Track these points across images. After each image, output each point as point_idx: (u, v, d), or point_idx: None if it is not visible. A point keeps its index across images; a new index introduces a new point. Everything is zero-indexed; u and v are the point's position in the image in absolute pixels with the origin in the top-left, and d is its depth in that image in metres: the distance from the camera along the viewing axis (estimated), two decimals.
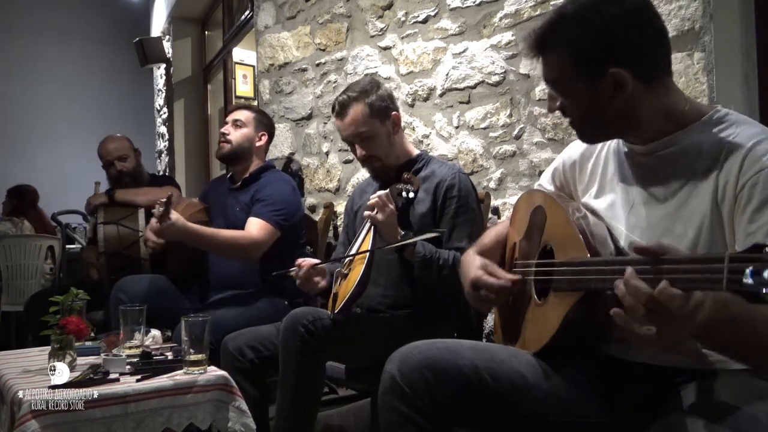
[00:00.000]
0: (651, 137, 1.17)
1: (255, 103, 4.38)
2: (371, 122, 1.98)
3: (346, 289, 1.82)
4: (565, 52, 1.16)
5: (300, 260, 1.96)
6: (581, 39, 1.14)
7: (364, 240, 1.92)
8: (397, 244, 1.83)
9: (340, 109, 2.00)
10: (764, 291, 0.74)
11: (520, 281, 1.33)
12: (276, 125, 3.72)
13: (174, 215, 2.20)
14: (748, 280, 0.75)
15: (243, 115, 2.62)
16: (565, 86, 1.19)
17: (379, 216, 1.83)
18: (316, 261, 1.98)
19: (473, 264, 1.40)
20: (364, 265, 1.80)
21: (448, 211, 1.94)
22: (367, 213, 1.87)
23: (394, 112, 2.03)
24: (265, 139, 2.67)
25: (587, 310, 1.13)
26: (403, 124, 2.11)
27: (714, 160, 1.09)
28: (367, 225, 1.93)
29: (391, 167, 2.05)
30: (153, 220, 2.60)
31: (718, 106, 1.18)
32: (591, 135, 1.26)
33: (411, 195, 1.88)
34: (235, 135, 2.59)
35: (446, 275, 1.83)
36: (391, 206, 1.85)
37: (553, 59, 1.19)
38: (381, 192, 1.87)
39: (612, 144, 1.31)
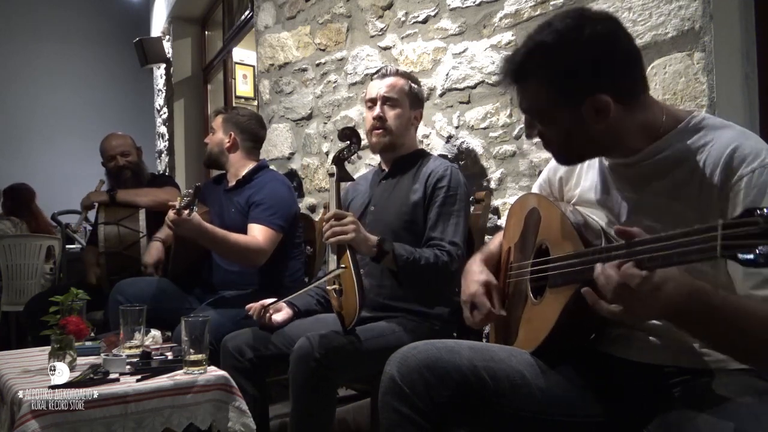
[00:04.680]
0: (632, 151, 1.18)
1: (255, 103, 4.39)
2: (404, 97, 2.14)
3: (349, 302, 1.79)
4: (543, 82, 1.14)
5: (248, 305, 2.05)
6: (558, 69, 1.12)
7: (339, 261, 1.84)
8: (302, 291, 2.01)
9: (385, 72, 2.19)
10: (758, 251, 0.75)
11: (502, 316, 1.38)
12: (276, 125, 3.74)
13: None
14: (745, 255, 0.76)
15: (214, 122, 2.71)
16: (544, 115, 1.18)
17: (349, 235, 1.77)
18: (269, 301, 2.02)
19: (476, 278, 1.41)
20: (354, 276, 1.76)
21: (436, 200, 1.98)
22: (333, 240, 1.78)
23: (421, 110, 2.22)
24: (233, 138, 2.63)
25: (585, 303, 1.13)
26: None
27: (695, 168, 1.10)
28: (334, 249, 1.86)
29: (394, 146, 2.14)
30: (153, 247, 2.68)
31: (694, 111, 1.18)
32: (570, 158, 1.26)
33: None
34: (210, 143, 2.71)
35: (430, 279, 1.84)
36: (351, 217, 1.79)
37: (531, 89, 1.17)
38: (330, 214, 1.81)
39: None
